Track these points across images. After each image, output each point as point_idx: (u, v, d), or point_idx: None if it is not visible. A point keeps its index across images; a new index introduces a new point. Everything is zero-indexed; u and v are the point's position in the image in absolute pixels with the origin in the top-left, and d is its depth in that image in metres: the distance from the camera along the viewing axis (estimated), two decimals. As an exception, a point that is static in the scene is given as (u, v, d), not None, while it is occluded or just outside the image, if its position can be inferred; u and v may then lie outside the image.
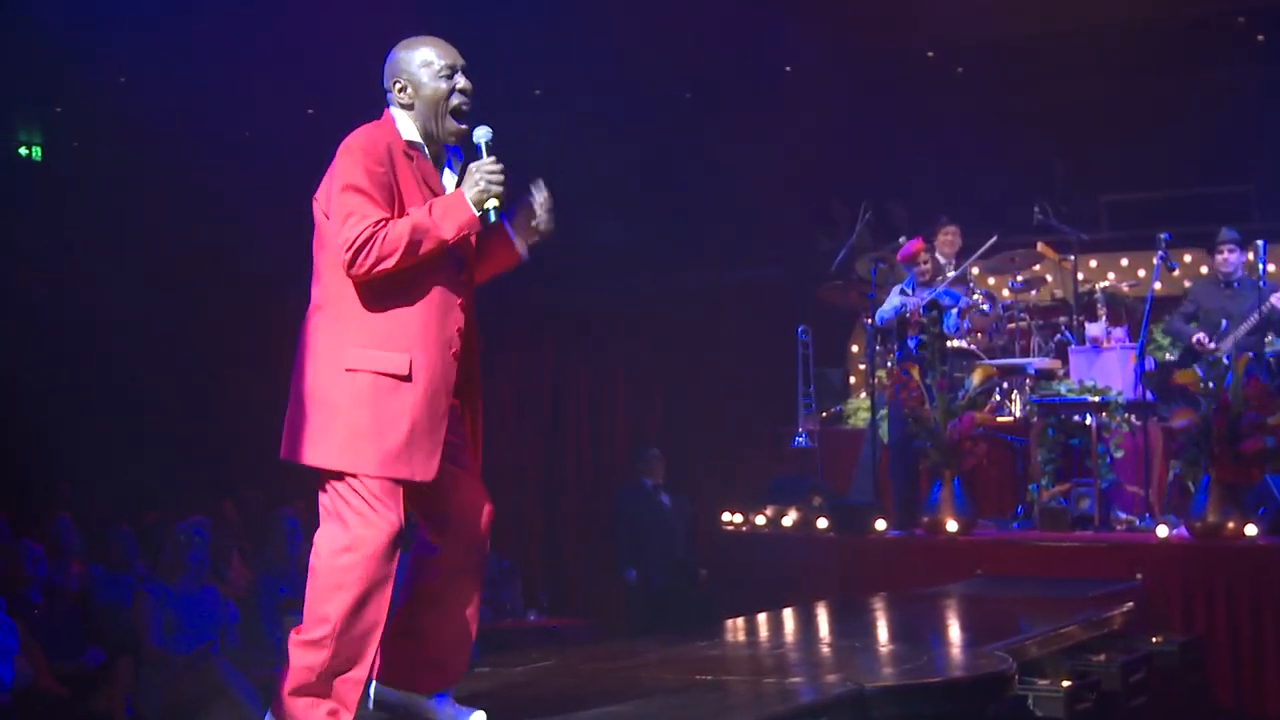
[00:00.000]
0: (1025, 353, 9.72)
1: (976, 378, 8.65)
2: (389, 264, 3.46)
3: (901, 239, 9.77)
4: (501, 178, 3.59)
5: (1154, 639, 6.50)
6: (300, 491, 11.84)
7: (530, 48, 11.33)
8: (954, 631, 6.13)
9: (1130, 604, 6.75)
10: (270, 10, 10.63)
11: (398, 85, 3.70)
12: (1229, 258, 9.08)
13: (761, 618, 6.41)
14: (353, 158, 3.52)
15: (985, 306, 9.61)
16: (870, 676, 4.51)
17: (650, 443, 10.88)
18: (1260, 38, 11.89)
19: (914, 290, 9.26)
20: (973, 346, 9.52)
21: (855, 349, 11.74)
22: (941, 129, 12.55)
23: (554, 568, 12.12)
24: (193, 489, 10.92)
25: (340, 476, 3.50)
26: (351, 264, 3.45)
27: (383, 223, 3.47)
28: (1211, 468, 7.83)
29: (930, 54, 12.29)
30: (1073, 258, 9.91)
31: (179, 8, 10.66)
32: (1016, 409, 9.49)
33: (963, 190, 12.29)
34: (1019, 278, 9.98)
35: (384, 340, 3.50)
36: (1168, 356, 9.34)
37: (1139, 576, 7.60)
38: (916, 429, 8.54)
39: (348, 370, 3.48)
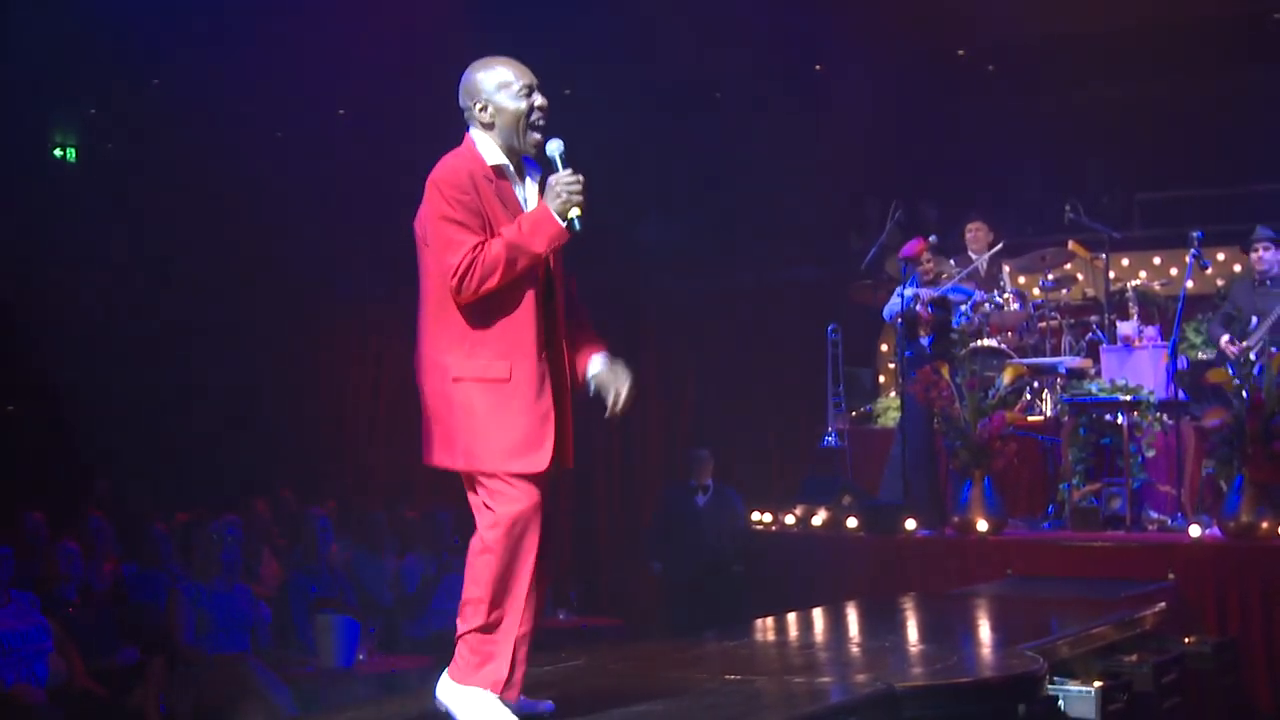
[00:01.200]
0: (1056, 351, 9.67)
1: (1007, 377, 8.61)
2: (491, 283, 3.76)
3: (932, 238, 9.74)
4: (580, 187, 3.81)
5: (1187, 640, 6.45)
6: (333, 492, 11.95)
7: (568, 48, 11.36)
8: (984, 631, 6.10)
9: (1162, 604, 6.70)
10: (301, 13, 10.68)
11: (478, 106, 3.89)
12: (1264, 255, 9.01)
13: (791, 617, 6.40)
14: (440, 191, 3.78)
15: (1015, 305, 9.58)
16: (900, 676, 4.49)
17: (696, 442, 10.84)
18: (1294, 33, 11.81)
19: (916, 287, 9.25)
20: (1003, 345, 9.48)
21: (885, 348, 11.71)
22: (974, 128, 12.51)
23: (584, 567, 12.13)
24: (226, 488, 10.99)
25: (470, 477, 3.86)
26: (459, 289, 3.75)
27: (479, 246, 3.74)
28: (1245, 467, 7.77)
29: (961, 53, 12.26)
30: (1104, 256, 9.85)
31: (211, 9, 10.72)
32: (1047, 408, 9.45)
33: (995, 189, 12.26)
34: (1050, 276, 9.93)
35: (484, 349, 3.81)
36: (1200, 355, 9.28)
37: (1171, 577, 7.55)
38: (945, 428, 8.51)
39: (455, 380, 3.81)
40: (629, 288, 12.44)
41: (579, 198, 3.80)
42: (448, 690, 3.85)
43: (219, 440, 12.22)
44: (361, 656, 7.63)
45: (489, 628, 3.80)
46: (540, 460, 3.84)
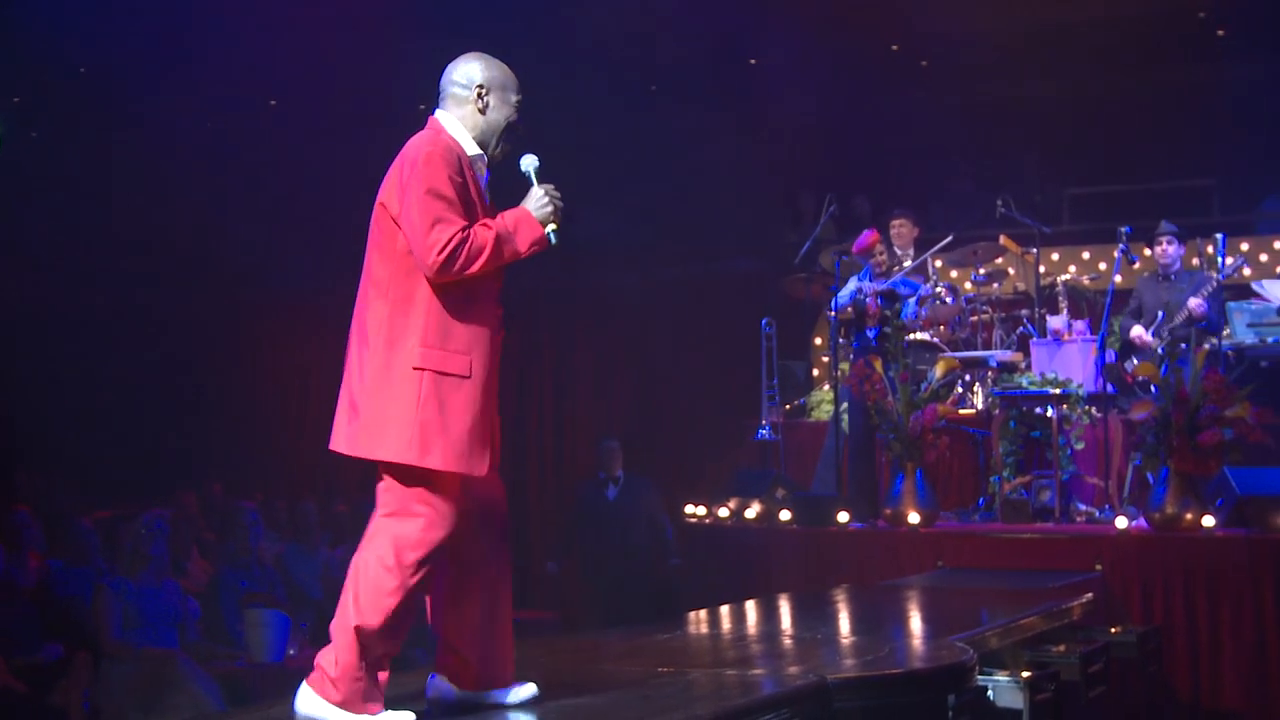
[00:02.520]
0: (987, 345, 9.78)
1: (939, 370, 8.69)
2: (474, 268, 3.69)
3: (865, 232, 9.82)
4: (561, 204, 3.88)
5: (1113, 630, 6.55)
6: (263, 485, 11.85)
7: (501, 39, 11.30)
8: (915, 623, 6.15)
9: (1090, 595, 6.80)
10: (232, 1, 10.58)
11: (478, 92, 3.87)
12: (1167, 249, 9.17)
13: (724, 610, 6.42)
14: (433, 166, 3.67)
15: (949, 299, 9.67)
16: (832, 668, 4.53)
17: (614, 435, 10.89)
18: (1220, 33, 11.99)
19: (871, 281, 9.32)
20: (935, 339, 9.57)
21: (818, 342, 11.77)
22: (907, 122, 12.61)
23: (516, 560, 12.09)
24: (154, 482, 10.86)
25: (409, 471, 3.68)
26: (443, 267, 3.62)
27: (469, 229, 3.68)
28: (1170, 459, 7.90)
29: (895, 47, 12.34)
30: (1035, 251, 9.96)
31: (139, -2, 10.59)
32: (979, 401, 9.55)
33: (928, 183, 12.36)
34: (981, 270, 10.03)
35: (448, 341, 3.70)
36: (1129, 349, 9.42)
37: (1099, 568, 7.66)
38: (879, 421, 8.57)
39: (416, 369, 3.66)
40: (563, 281, 12.43)
41: (558, 214, 3.87)
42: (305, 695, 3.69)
43: (146, 434, 12.08)
44: (292, 651, 7.58)
45: (368, 657, 3.65)
46: (483, 463, 3.76)
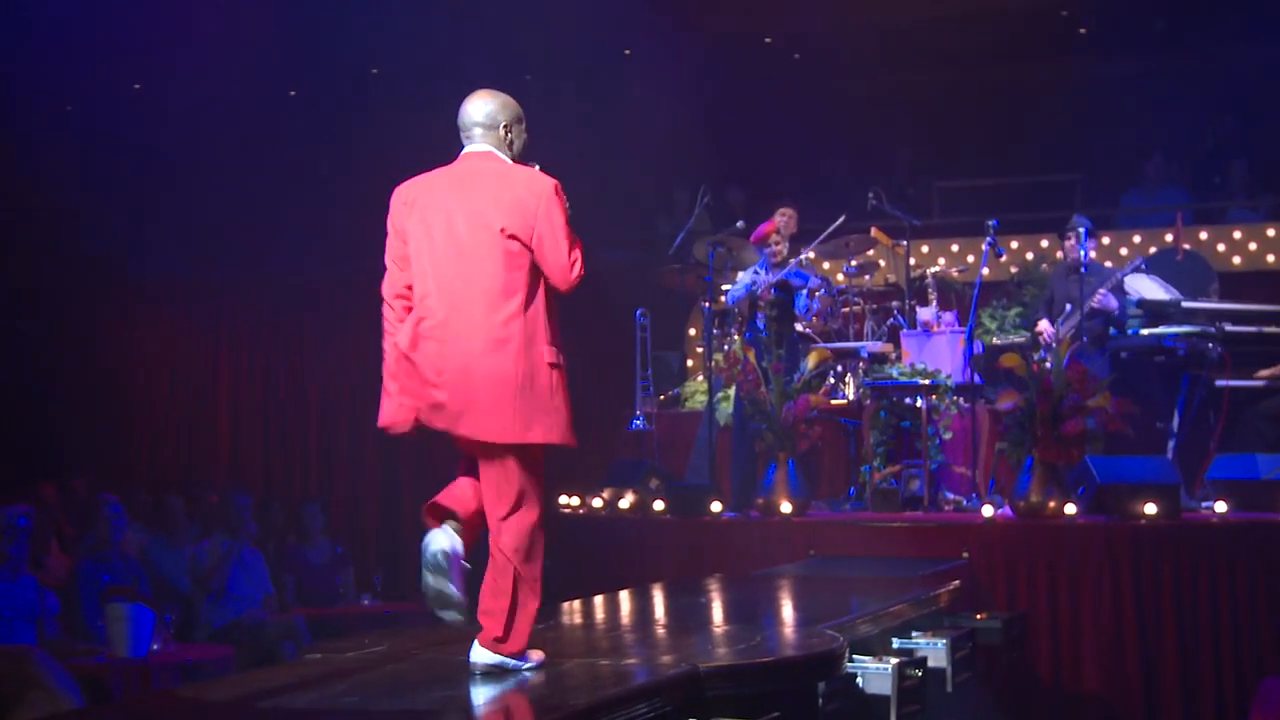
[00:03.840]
0: (859, 336, 9.90)
1: (811, 361, 8.80)
2: None
3: (740, 223, 9.89)
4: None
5: (979, 616, 6.69)
6: (127, 477, 11.59)
7: (374, 30, 11.22)
8: (787, 611, 6.23)
9: (957, 582, 6.94)
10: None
11: (519, 128, 4.55)
12: (1076, 244, 9.35)
13: (598, 600, 6.44)
14: (560, 197, 4.43)
15: (822, 290, 9.78)
16: (705, 657, 4.56)
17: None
18: (1082, 30, 12.29)
19: (767, 271, 9.40)
20: (808, 330, 9.68)
21: (693, 332, 11.84)
22: (780, 114, 12.72)
23: (389, 552, 12.00)
24: (12, 475, 10.56)
25: (537, 454, 4.33)
26: (576, 282, 4.41)
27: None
28: (1035, 449, 8.09)
29: (768, 40, 12.44)
30: (905, 243, 10.11)
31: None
32: (850, 392, 9.67)
33: (802, 175, 12.48)
34: (853, 262, 10.15)
35: (555, 338, 4.39)
36: (995, 340, 9.61)
37: (965, 555, 7.82)
38: (752, 411, 8.65)
39: (549, 364, 4.32)
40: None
41: None
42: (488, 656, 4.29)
43: (7, 424, 11.74)
44: (155, 646, 7.43)
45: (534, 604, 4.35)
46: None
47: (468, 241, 4.29)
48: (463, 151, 4.50)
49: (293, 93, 12.98)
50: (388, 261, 4.47)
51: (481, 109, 4.47)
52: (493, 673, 4.27)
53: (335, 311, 12.46)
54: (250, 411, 12.56)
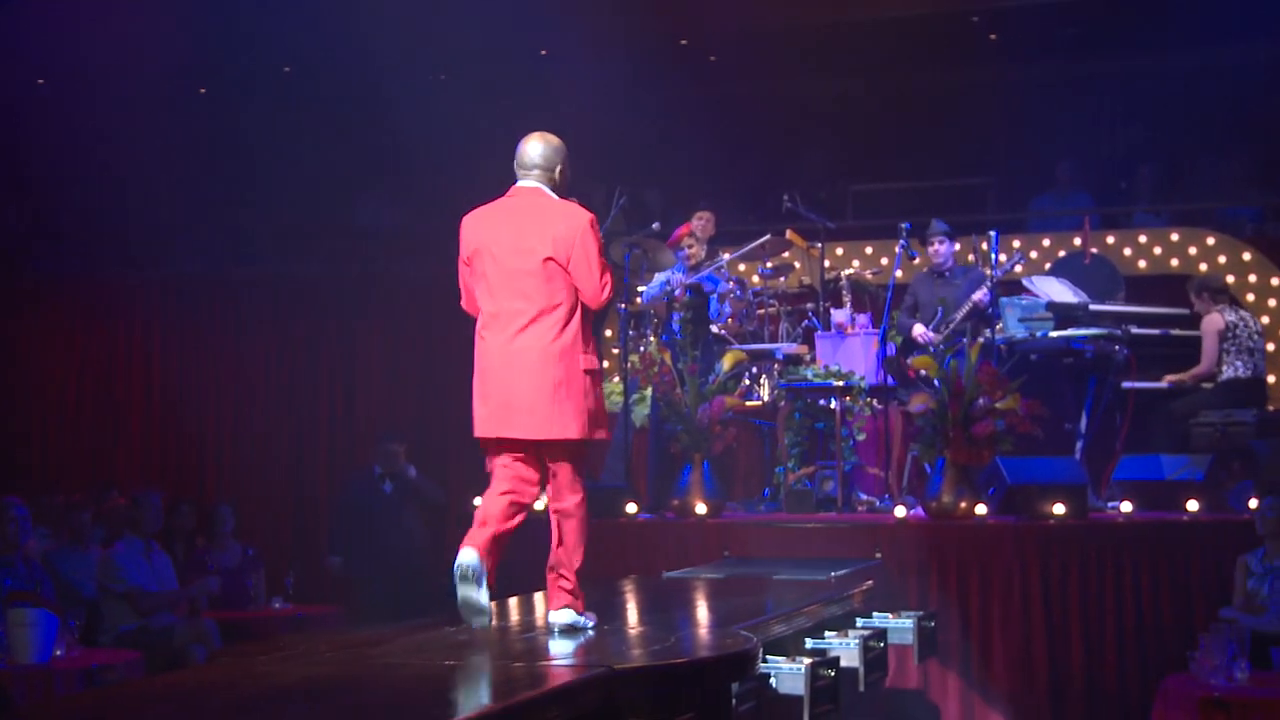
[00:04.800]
0: (774, 338, 9.96)
1: (726, 362, 8.85)
2: None
3: (656, 225, 9.91)
4: None
5: (891, 616, 6.77)
6: (31, 478, 11.39)
7: (285, 27, 11.12)
8: (701, 612, 6.26)
9: (870, 582, 7.01)
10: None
11: (559, 169, 5.26)
12: (939, 248, 9.49)
13: (512, 601, 6.43)
14: (596, 231, 5.15)
15: (737, 292, 9.83)
16: (619, 658, 4.58)
17: (401, 427, 10.75)
18: (993, 37, 12.45)
19: (683, 274, 9.44)
20: (723, 332, 9.73)
21: (609, 334, 11.84)
22: (696, 116, 12.75)
23: (302, 554, 11.88)
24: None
25: (582, 447, 5.13)
26: (608, 301, 5.16)
27: None
28: (946, 450, 8.20)
29: (684, 42, 12.47)
30: (820, 246, 10.19)
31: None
32: (765, 393, 9.73)
33: (719, 177, 12.53)
34: (769, 264, 10.21)
35: (589, 346, 5.12)
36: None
37: (878, 556, 7.91)
38: (668, 413, 8.68)
39: (585, 370, 5.06)
40: (346, 270, 12.24)
41: None
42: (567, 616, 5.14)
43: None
44: (59, 651, 7.29)
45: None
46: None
47: (520, 266, 5.06)
48: (516, 185, 5.26)
49: (202, 90, 12.82)
50: (460, 285, 5.34)
51: (541, 152, 5.23)
52: (570, 630, 5.13)
53: (243, 310, 12.32)
54: (159, 412, 12.37)
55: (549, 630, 5.17)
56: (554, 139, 5.26)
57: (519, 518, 5.15)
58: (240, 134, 12.50)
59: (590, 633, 5.12)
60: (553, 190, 5.22)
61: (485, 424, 5.10)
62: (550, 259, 5.04)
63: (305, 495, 12.28)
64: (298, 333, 12.27)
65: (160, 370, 12.43)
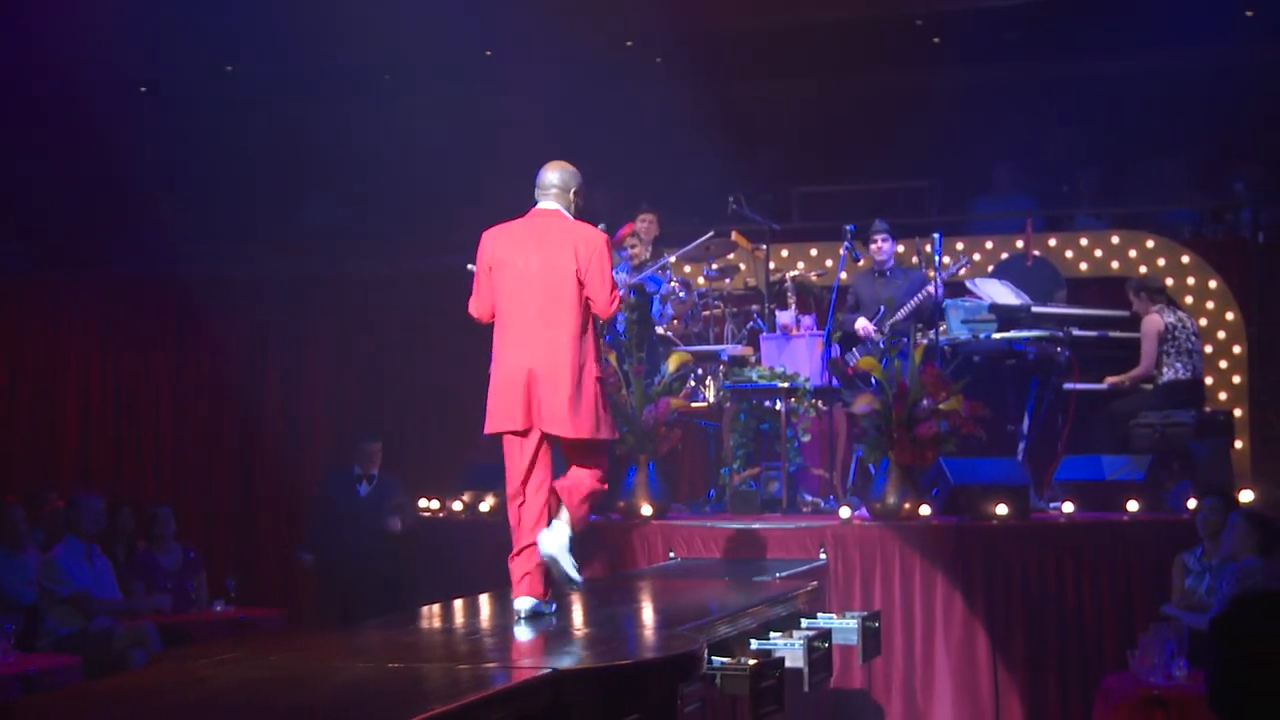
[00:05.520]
0: (719, 340, 9.98)
1: (672, 364, 8.86)
2: None
3: (601, 226, 9.88)
4: None
5: (836, 617, 6.80)
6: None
7: (233, 27, 11.03)
8: (647, 614, 6.26)
9: (814, 583, 7.04)
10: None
11: (575, 191, 5.90)
12: (882, 246, 9.55)
13: (458, 604, 6.41)
14: (608, 246, 5.79)
15: (681, 294, 9.84)
16: (564, 660, 4.57)
17: (348, 426, 10.67)
18: (936, 40, 12.53)
19: (628, 274, 9.44)
20: (669, 333, 9.73)
21: (554, 334, 11.82)
22: (643, 118, 12.75)
23: (243, 557, 11.79)
24: None
25: (600, 443, 5.74)
26: (616, 313, 6.09)
27: None
28: (890, 451, 8.26)
29: (629, 43, 12.47)
30: (765, 247, 10.22)
31: None
32: (710, 395, 9.74)
33: (664, 178, 12.53)
34: (714, 266, 10.22)
35: (597, 355, 5.72)
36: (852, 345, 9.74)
37: (823, 557, 7.95)
38: (614, 414, 8.67)
39: (597, 379, 5.66)
40: (294, 271, 12.15)
41: None
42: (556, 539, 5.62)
43: None
44: (-5, 657, 7.20)
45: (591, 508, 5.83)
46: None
47: (540, 280, 5.61)
48: (536, 206, 5.85)
49: (143, 89, 12.69)
50: (475, 291, 5.82)
51: (559, 177, 5.86)
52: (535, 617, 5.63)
53: (185, 310, 12.19)
54: (99, 413, 12.21)
55: (516, 617, 5.60)
56: (570, 166, 5.90)
57: (545, 497, 5.74)
58: (183, 133, 12.38)
59: (552, 620, 5.62)
60: (569, 211, 5.81)
61: (500, 419, 5.70)
62: (569, 273, 5.61)
63: (247, 496, 12.18)
64: (240, 333, 12.17)
65: (99, 371, 12.27)
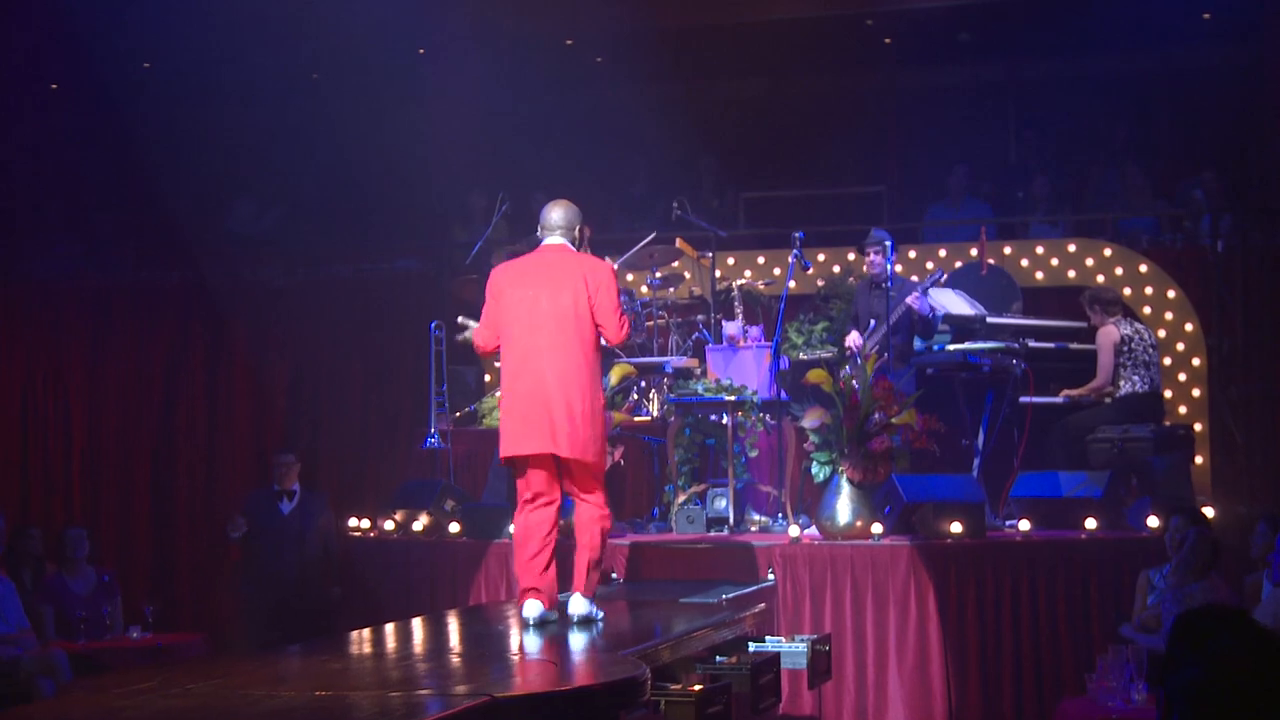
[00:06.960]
0: (663, 351, 9.97)
1: (614, 376, 8.84)
2: None
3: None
4: None
5: (785, 640, 6.81)
6: None
7: (149, 31, 10.96)
8: (587, 638, 6.24)
9: (762, 605, 7.06)
10: None
11: (578, 229, 6.39)
12: (874, 259, 9.56)
13: (389, 628, 6.37)
14: (615, 276, 6.42)
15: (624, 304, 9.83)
16: (501, 686, 4.55)
17: (291, 448, 10.58)
18: (888, 41, 12.62)
19: None
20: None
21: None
22: (583, 120, 12.76)
23: (162, 581, 11.65)
24: None
25: (602, 465, 6.26)
26: (626, 339, 6.40)
27: None
28: (842, 466, 8.29)
29: (569, 42, 12.48)
30: (710, 255, 10.23)
31: None
32: (654, 408, 9.74)
33: (606, 183, 12.54)
34: (658, 274, 10.22)
35: (600, 382, 6.31)
36: (801, 356, 9.78)
37: (771, 577, 7.96)
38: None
39: (599, 404, 6.22)
40: (217, 279, 12.02)
41: None
42: (583, 602, 6.20)
43: None
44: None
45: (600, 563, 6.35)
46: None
47: (550, 311, 6.13)
48: (543, 243, 6.36)
49: (54, 86, 12.55)
50: (484, 323, 6.35)
51: (563, 217, 6.37)
52: (585, 621, 6.12)
53: (99, 320, 12.02)
54: (6, 429, 12.01)
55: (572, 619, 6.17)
56: (572, 205, 6.43)
57: (553, 515, 6.23)
58: (97, 136, 12.26)
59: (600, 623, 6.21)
60: (574, 245, 6.35)
61: (519, 444, 6.15)
62: (579, 304, 6.14)
63: (166, 518, 12.03)
64: (159, 344, 12.04)
65: (9, 385, 12.08)
